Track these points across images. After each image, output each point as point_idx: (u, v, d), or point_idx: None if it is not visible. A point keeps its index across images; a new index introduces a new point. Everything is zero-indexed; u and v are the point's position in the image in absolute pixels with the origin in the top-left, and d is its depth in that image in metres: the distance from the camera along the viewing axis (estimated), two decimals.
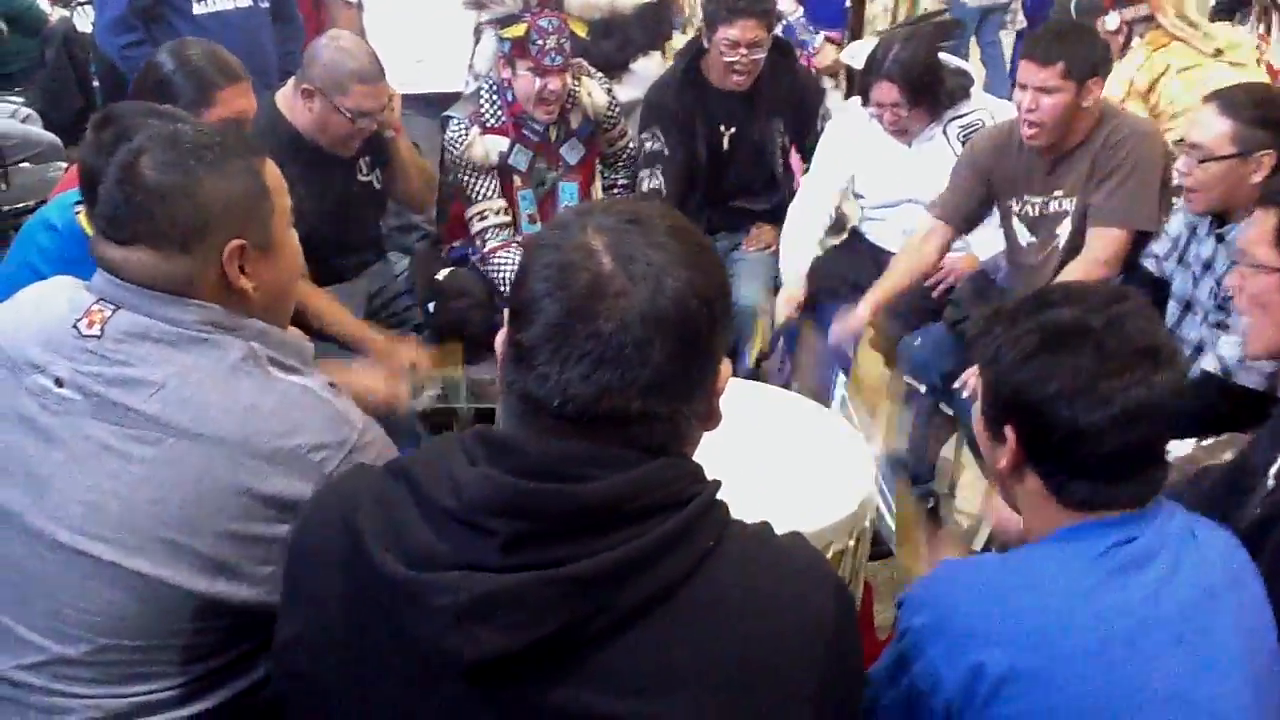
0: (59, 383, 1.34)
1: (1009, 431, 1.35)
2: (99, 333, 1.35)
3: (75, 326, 1.36)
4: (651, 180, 3.44)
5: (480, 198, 3.24)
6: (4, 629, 1.34)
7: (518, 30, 3.08)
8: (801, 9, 4.45)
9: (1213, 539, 1.36)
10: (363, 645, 1.03)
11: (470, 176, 3.24)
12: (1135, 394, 1.28)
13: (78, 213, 1.92)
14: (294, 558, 1.14)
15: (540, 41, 3.07)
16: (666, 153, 3.44)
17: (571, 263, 1.00)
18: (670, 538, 0.98)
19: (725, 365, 1.08)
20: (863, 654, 1.14)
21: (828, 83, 4.13)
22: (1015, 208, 2.98)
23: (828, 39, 4.43)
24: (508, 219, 3.25)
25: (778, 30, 4.45)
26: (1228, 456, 1.98)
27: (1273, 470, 1.68)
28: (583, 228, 1.02)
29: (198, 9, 3.36)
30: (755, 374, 3.40)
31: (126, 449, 1.32)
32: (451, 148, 3.23)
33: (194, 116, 2.23)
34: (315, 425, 1.37)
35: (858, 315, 3.05)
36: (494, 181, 3.25)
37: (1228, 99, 2.47)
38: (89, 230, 1.86)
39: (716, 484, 1.05)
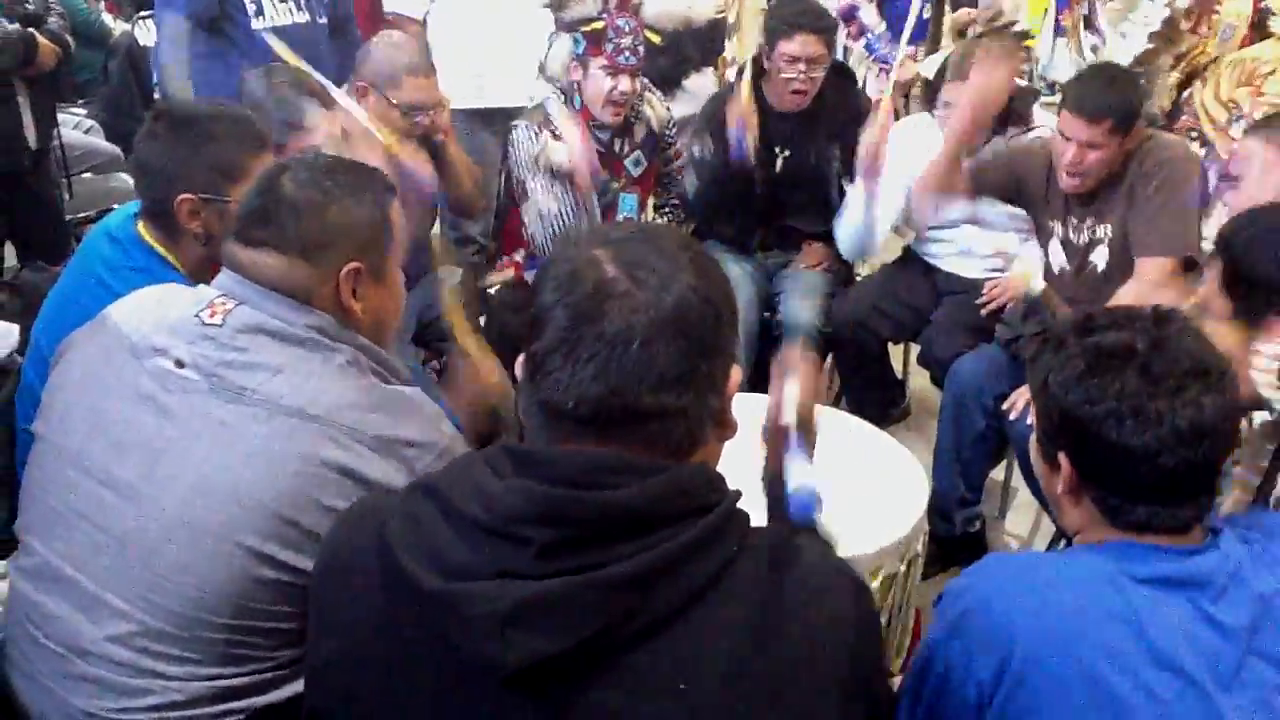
0: (179, 364, 1.42)
1: (1063, 458, 1.37)
2: (220, 322, 1.44)
3: (198, 316, 1.45)
4: (687, 183, 3.45)
5: (538, 194, 3.22)
6: (97, 598, 1.38)
7: (596, 25, 3.13)
8: (885, 24, 4.45)
9: (1270, 569, 1.34)
10: (401, 660, 1.04)
11: (535, 175, 3.22)
12: (1185, 415, 1.29)
13: (137, 222, 1.96)
14: (322, 580, 1.16)
15: (616, 40, 3.11)
16: (709, 158, 3.42)
17: (577, 272, 1.05)
18: (699, 542, 1.01)
19: (735, 370, 1.11)
20: (884, 649, 1.14)
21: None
22: (1058, 231, 2.95)
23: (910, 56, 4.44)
24: (561, 222, 3.23)
25: (860, 45, 4.47)
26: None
27: None
28: (589, 244, 1.08)
29: (256, 24, 3.39)
30: None
31: (241, 425, 1.39)
32: (520, 147, 3.23)
33: (284, 140, 2.32)
34: (415, 424, 1.46)
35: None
36: (557, 186, 3.24)
37: (1266, 128, 2.45)
38: (148, 239, 1.94)
39: (737, 493, 1.08)
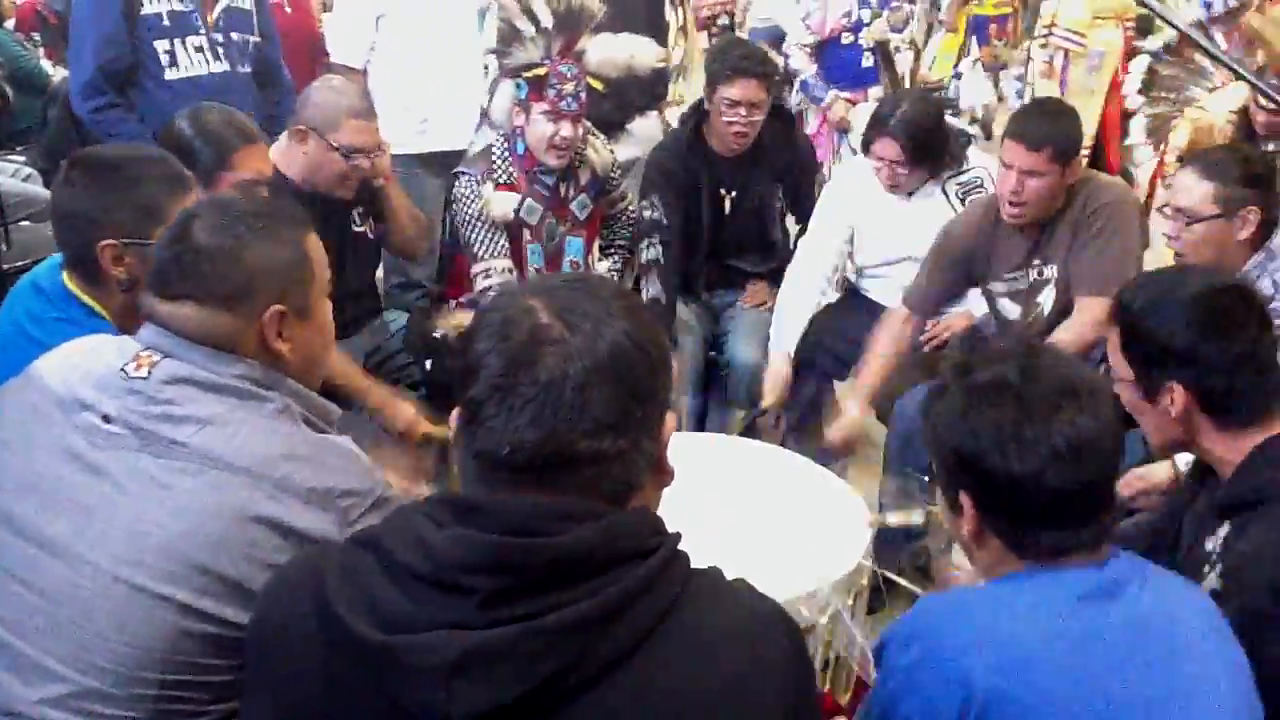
0: (107, 419, 1.40)
1: (963, 498, 1.41)
2: (146, 374, 1.41)
3: (123, 370, 1.42)
4: (649, 251, 3.44)
5: (486, 255, 3.23)
6: (29, 660, 1.35)
7: (538, 71, 3.14)
8: (815, 67, 4.52)
9: (1168, 575, 1.42)
10: (343, 717, 1.03)
11: (479, 233, 3.22)
12: (1062, 434, 1.34)
13: (64, 272, 1.94)
14: (259, 637, 1.14)
15: (559, 85, 3.13)
16: (665, 222, 3.45)
17: (510, 319, 1.06)
18: (641, 585, 1.01)
19: (670, 416, 1.12)
20: (815, 684, 1.19)
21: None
22: (1000, 288, 2.99)
23: (846, 99, 4.51)
24: (512, 279, 3.22)
25: (796, 83, 4.54)
26: None
27: (1213, 544, 1.70)
28: (523, 293, 1.09)
29: (170, 74, 3.31)
30: (752, 431, 3.39)
31: (169, 480, 1.36)
32: (462, 203, 3.23)
33: (211, 179, 2.33)
34: (347, 472, 1.44)
35: (852, 420, 3.05)
36: (503, 239, 3.25)
37: (1207, 162, 2.54)
38: (73, 288, 1.91)
39: (678, 536, 1.09)
